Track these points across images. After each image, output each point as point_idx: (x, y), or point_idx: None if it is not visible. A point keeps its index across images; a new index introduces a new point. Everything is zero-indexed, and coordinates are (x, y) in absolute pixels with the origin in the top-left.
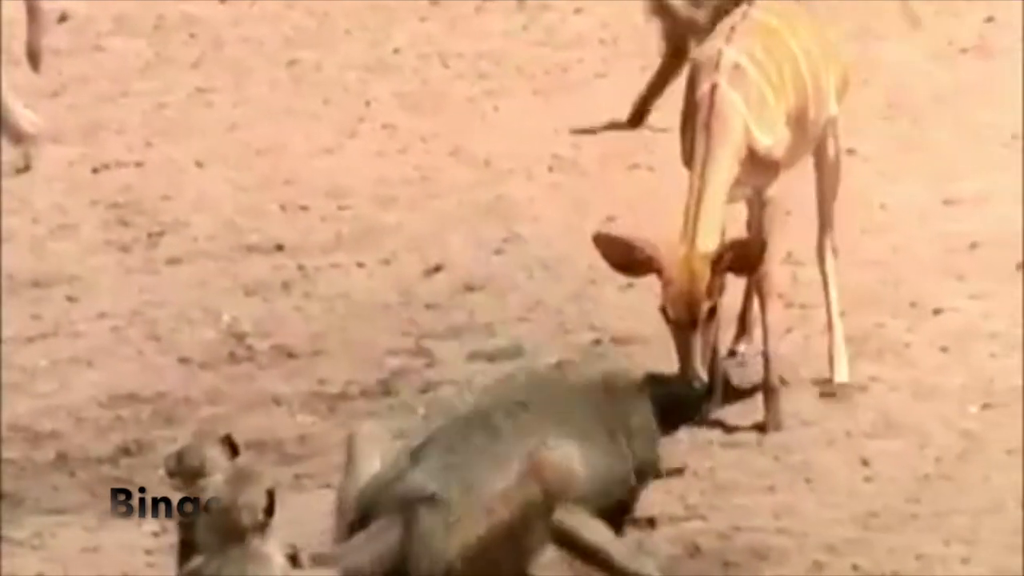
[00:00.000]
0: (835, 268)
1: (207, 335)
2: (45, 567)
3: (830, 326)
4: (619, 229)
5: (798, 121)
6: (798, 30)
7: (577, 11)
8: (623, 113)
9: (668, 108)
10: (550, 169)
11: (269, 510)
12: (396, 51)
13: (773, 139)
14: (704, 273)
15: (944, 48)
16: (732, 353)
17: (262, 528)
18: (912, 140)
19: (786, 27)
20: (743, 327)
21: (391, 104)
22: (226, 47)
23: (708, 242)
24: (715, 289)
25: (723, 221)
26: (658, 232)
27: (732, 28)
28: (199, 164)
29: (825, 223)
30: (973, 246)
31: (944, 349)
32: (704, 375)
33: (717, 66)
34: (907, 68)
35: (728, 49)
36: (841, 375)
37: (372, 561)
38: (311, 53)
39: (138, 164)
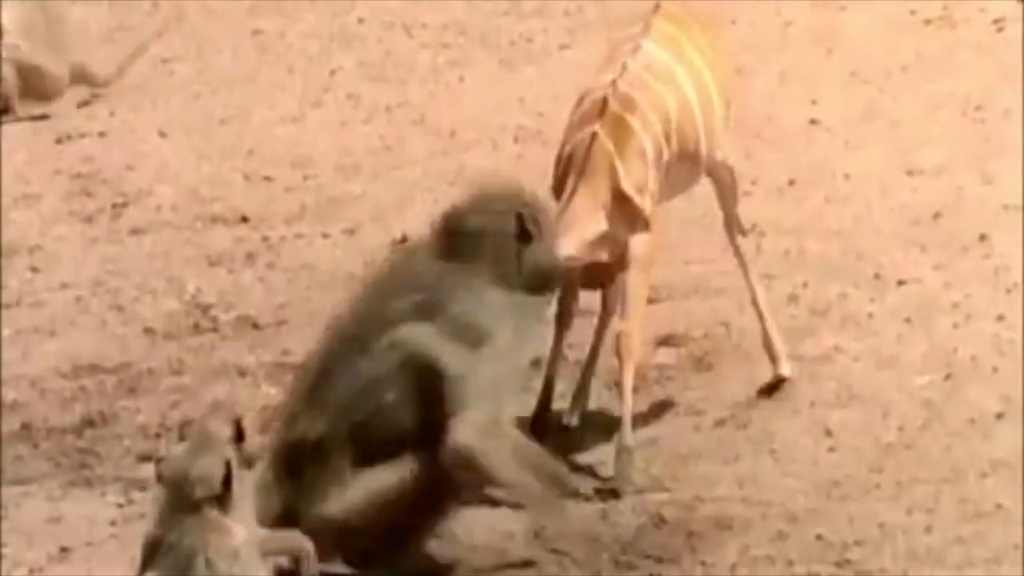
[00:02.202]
0: (754, 258)
1: (170, 305)
2: (8, 538)
3: (760, 319)
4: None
5: (682, 159)
6: (689, 57)
7: None
8: (587, 83)
9: None
10: (515, 139)
11: (227, 481)
12: (360, 21)
13: (640, 191)
14: None
15: (907, 18)
16: (565, 428)
17: (220, 499)
18: (875, 110)
19: (677, 58)
20: (580, 394)
21: (355, 74)
22: (189, 16)
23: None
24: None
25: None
26: None
27: (623, 67)
28: (162, 134)
29: (732, 229)
30: (936, 216)
31: (907, 320)
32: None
33: (601, 113)
34: (870, 38)
35: (612, 98)
36: (783, 368)
37: None
38: (274, 22)
39: (101, 134)
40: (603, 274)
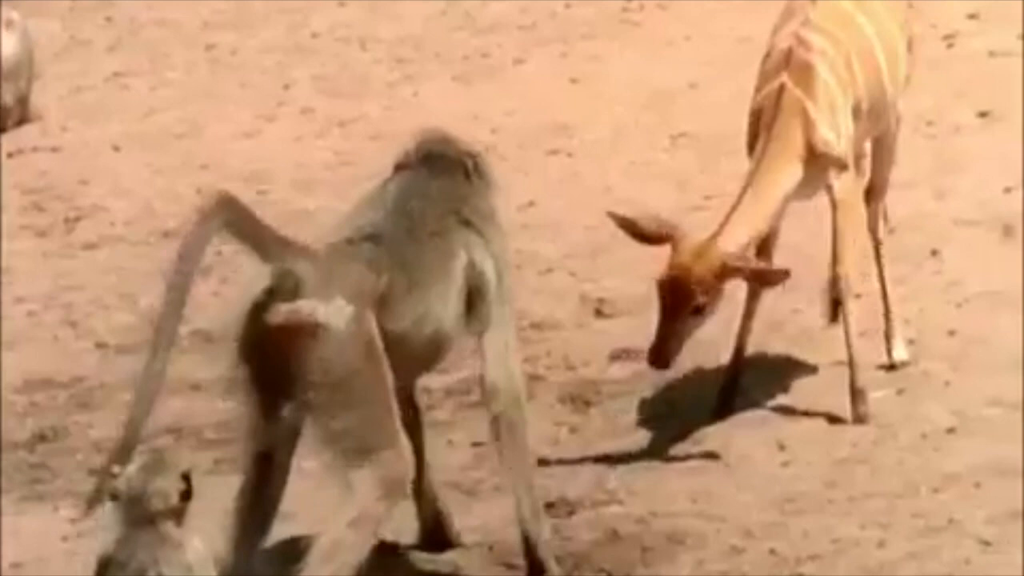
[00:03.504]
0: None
1: (124, 320)
2: None
3: (886, 311)
4: (539, 215)
5: (871, 109)
6: (872, 4)
7: None
8: (542, 98)
9: (586, 92)
10: None
11: (185, 495)
12: (315, 35)
13: (837, 137)
14: (707, 268)
15: None
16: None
17: (176, 513)
18: None
19: (857, 6)
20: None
21: (310, 88)
22: (143, 30)
23: (730, 242)
24: (711, 289)
25: (762, 227)
26: (577, 217)
27: (805, 19)
28: (116, 148)
29: (879, 192)
30: (889, 232)
31: (862, 333)
32: (669, 360)
33: (787, 64)
34: None
35: (798, 47)
36: (899, 353)
37: None
38: (229, 36)
39: (54, 149)
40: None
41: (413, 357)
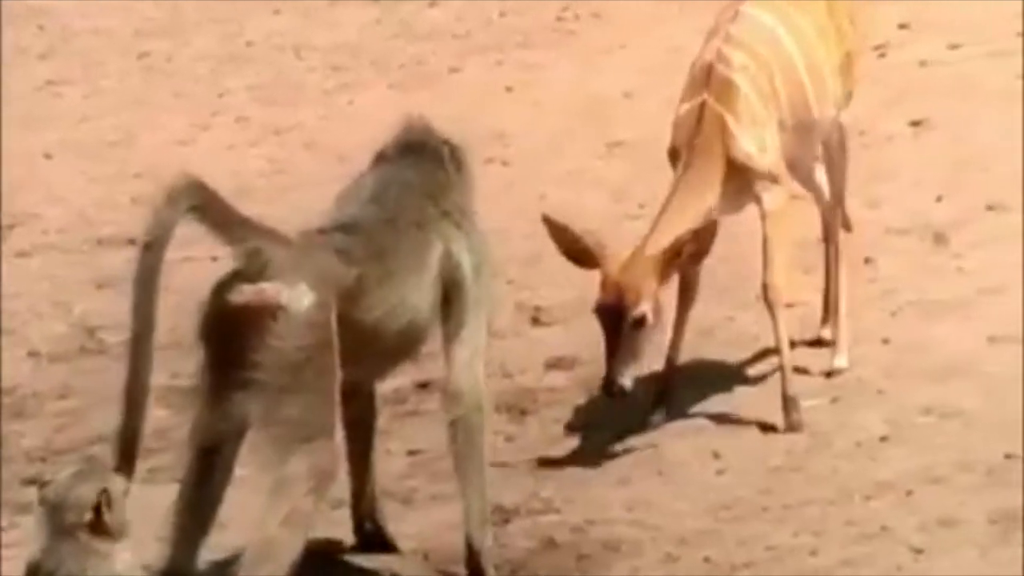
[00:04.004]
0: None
1: (57, 328)
2: None
3: (835, 317)
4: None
5: (796, 125)
6: (792, 18)
7: (431, 4)
8: (477, 106)
9: (522, 101)
10: None
11: (104, 508)
12: (249, 44)
13: (761, 151)
14: (638, 279)
15: None
16: (819, 341)
17: (94, 526)
18: None
19: (782, 22)
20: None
21: (245, 97)
22: (76, 38)
23: (653, 245)
24: (647, 296)
25: (684, 236)
26: (513, 225)
27: (726, 35)
28: (49, 156)
29: (836, 202)
30: (821, 241)
31: (792, 342)
32: (623, 383)
33: (708, 79)
34: None
35: (718, 63)
36: (841, 361)
37: None
38: (162, 44)
39: None
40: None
41: (387, 348)
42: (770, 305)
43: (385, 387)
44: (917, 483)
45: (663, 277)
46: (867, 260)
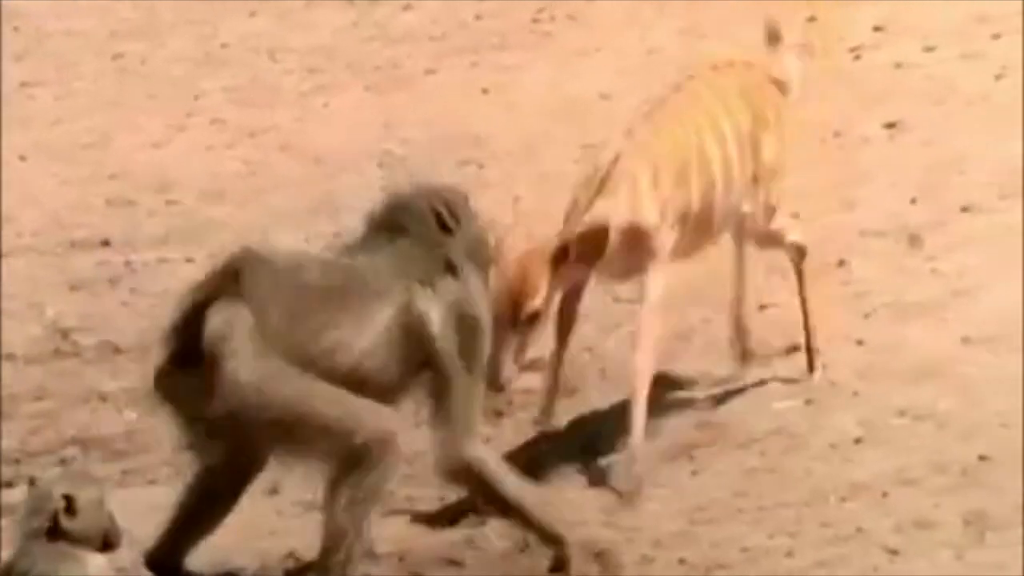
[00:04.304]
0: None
1: (32, 331)
2: None
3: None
4: None
5: (698, 221)
6: (718, 122)
7: (407, 7)
8: (453, 109)
9: (497, 103)
10: (380, 165)
11: (68, 509)
12: (224, 45)
13: (658, 222)
14: (535, 271)
15: (766, 46)
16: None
17: (52, 532)
18: None
19: (706, 120)
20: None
21: (220, 98)
22: (50, 40)
23: (550, 243)
24: (542, 290)
25: (566, 236)
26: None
27: (651, 110)
28: (22, 158)
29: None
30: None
31: (767, 344)
32: (508, 376)
33: (629, 134)
34: None
35: (642, 123)
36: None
37: None
38: (137, 46)
39: None
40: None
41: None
42: (633, 389)
43: None
44: (892, 484)
45: (557, 276)
46: (841, 262)
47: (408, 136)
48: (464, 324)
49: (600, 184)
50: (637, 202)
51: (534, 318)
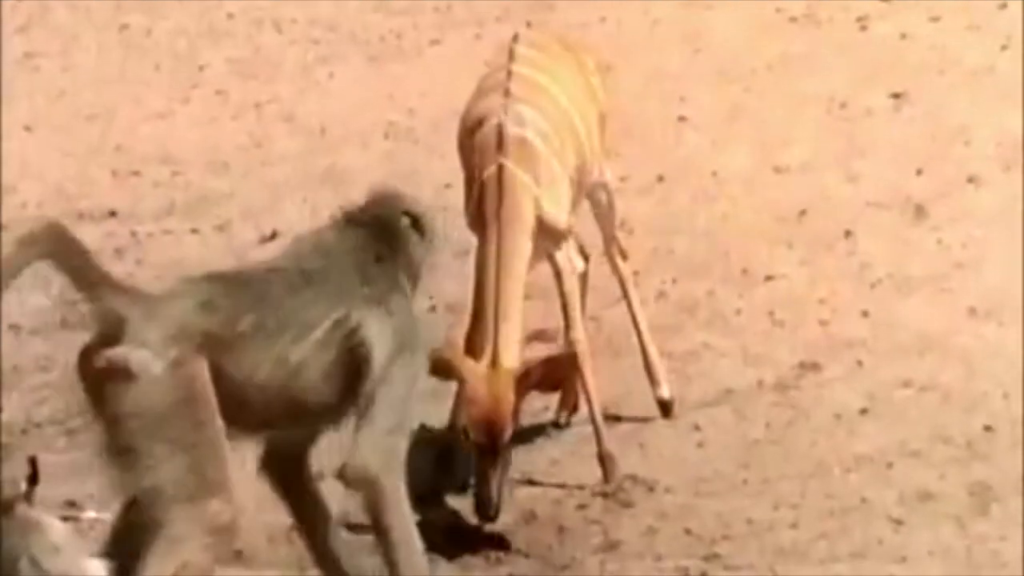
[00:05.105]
0: (630, 271)
1: (37, 302)
2: None
3: (642, 344)
4: (455, 198)
5: (579, 178)
6: (560, 76)
7: None
8: (457, 80)
9: None
10: (385, 136)
11: (33, 478)
12: (229, 16)
13: (561, 210)
14: (508, 395)
15: (773, 17)
16: (556, 424)
17: (27, 496)
18: (741, 108)
19: (550, 79)
20: (566, 399)
21: (224, 70)
22: (54, 11)
23: (510, 356)
24: (518, 412)
25: (520, 319)
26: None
27: (506, 92)
28: (27, 130)
29: (612, 252)
30: (802, 213)
31: (773, 315)
32: (496, 504)
33: (500, 145)
34: (736, 37)
35: (508, 123)
36: (663, 391)
37: None
38: (141, 18)
39: None
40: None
41: (269, 406)
42: (579, 360)
43: None
44: (896, 456)
45: (519, 397)
46: (847, 234)
47: (412, 107)
48: (404, 352)
49: (498, 198)
50: (537, 206)
51: (511, 442)
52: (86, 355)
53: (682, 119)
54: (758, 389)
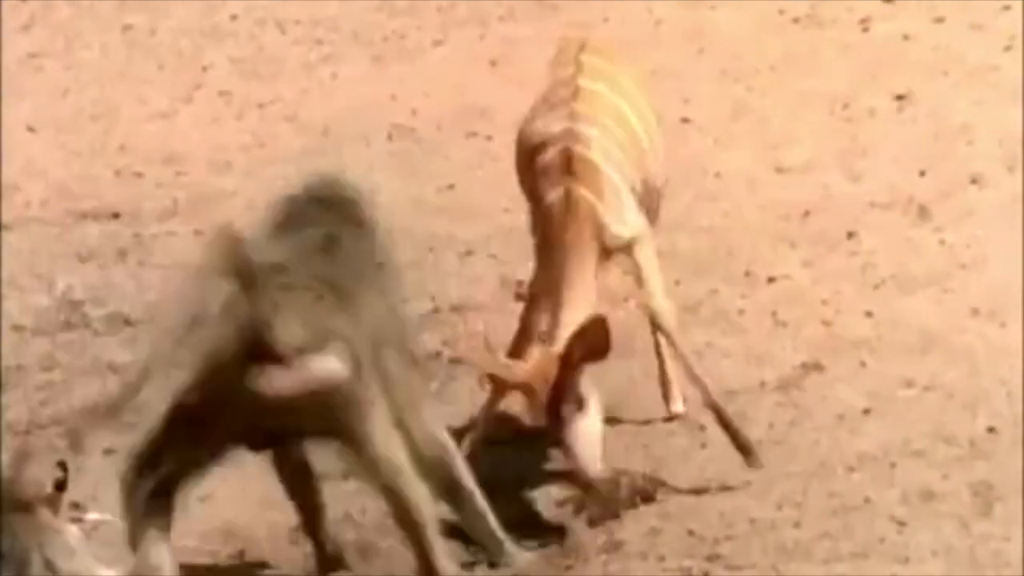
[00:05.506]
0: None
1: (41, 302)
2: None
3: (660, 360)
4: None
5: (643, 189)
6: (625, 88)
7: None
8: (460, 80)
9: (505, 75)
10: (388, 137)
11: (61, 484)
12: (233, 17)
13: (629, 230)
14: (550, 373)
15: (776, 18)
16: (670, 419)
17: (51, 501)
18: (744, 109)
19: (617, 92)
20: (666, 388)
21: (227, 70)
22: (57, 11)
23: (558, 343)
24: (573, 383)
25: (569, 340)
26: (496, 199)
27: (571, 113)
28: (31, 129)
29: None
30: (805, 214)
31: (776, 315)
32: (598, 473)
33: (568, 168)
34: (740, 37)
35: (575, 145)
36: (677, 406)
37: None
38: (145, 18)
39: None
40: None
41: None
42: (664, 330)
43: None
44: (899, 456)
45: (566, 373)
46: (850, 234)
47: (415, 107)
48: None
49: (565, 222)
50: (602, 231)
51: (580, 407)
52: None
53: (685, 120)
54: (761, 389)
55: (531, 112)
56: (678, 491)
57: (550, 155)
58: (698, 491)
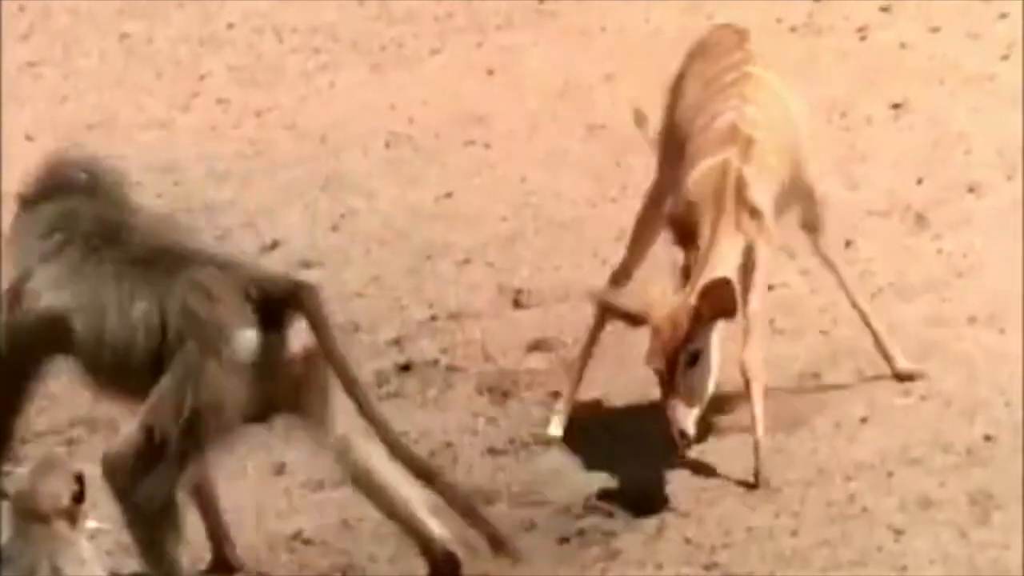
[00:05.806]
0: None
1: None
2: None
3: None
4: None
5: (792, 184)
6: (785, 82)
7: None
8: (458, 88)
9: (502, 83)
10: (386, 145)
11: (78, 497)
12: (230, 25)
13: (769, 208)
14: (685, 323)
15: (773, 26)
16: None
17: (68, 514)
18: None
19: (783, 85)
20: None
21: (225, 78)
22: (55, 18)
23: (694, 296)
24: (696, 335)
25: (690, 299)
26: (493, 207)
27: (741, 95)
28: (29, 138)
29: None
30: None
31: (774, 324)
32: (688, 428)
33: (733, 139)
34: None
35: (741, 122)
36: (902, 362)
37: None
38: (142, 25)
39: None
40: None
41: None
42: (747, 382)
43: (366, 369)
44: (896, 464)
45: (696, 326)
46: (847, 243)
47: (413, 116)
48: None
49: (720, 188)
50: (746, 190)
51: (695, 363)
52: None
53: None
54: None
55: (685, 91)
56: (676, 501)
57: (714, 126)
58: (696, 499)
